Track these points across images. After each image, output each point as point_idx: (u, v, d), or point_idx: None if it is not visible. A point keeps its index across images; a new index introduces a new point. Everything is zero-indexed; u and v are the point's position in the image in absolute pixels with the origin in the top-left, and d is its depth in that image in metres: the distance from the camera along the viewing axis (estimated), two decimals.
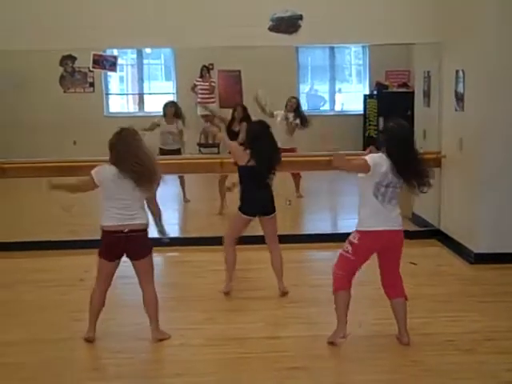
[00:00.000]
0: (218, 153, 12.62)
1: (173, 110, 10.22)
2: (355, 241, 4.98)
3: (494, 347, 5.05)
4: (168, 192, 10.54)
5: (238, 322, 5.65)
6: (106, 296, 5.24)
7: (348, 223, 5.41)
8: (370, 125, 13.75)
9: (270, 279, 6.53)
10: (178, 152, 10.15)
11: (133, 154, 4.91)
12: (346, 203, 9.64)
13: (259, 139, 6.06)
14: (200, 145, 13.90)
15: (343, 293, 5.01)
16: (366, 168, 4.92)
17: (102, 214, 5.04)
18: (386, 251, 5.06)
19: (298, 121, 10.40)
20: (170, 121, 10.21)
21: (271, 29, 7.68)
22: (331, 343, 5.04)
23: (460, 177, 7.51)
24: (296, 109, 10.51)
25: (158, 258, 7.61)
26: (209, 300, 6.13)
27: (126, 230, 4.95)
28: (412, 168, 4.93)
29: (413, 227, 8.58)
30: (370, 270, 7.01)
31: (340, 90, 15.23)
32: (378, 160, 4.93)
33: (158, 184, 5.11)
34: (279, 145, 6.34)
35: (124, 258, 5.18)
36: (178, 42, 8.07)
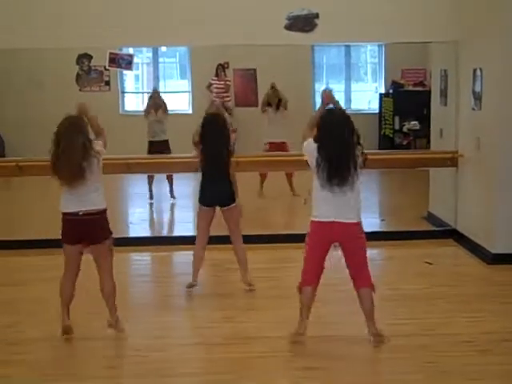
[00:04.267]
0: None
1: (159, 99, 10.16)
2: (309, 230, 4.99)
3: None
4: (182, 190, 10.57)
5: (255, 320, 5.64)
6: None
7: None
8: (385, 124, 13.66)
9: (290, 278, 6.51)
10: (166, 143, 9.96)
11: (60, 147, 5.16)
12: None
13: (202, 135, 6.22)
14: None
15: (305, 289, 4.97)
16: (311, 129, 5.08)
17: (61, 200, 5.20)
18: (340, 243, 4.97)
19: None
20: (157, 110, 10.03)
21: (287, 27, 7.66)
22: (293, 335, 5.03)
23: (477, 176, 7.46)
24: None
25: (175, 257, 7.67)
26: (227, 298, 6.14)
27: (80, 213, 5.12)
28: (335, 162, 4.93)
29: (429, 227, 8.55)
30: (384, 270, 7.01)
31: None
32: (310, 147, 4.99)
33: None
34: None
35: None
36: (193, 40, 8.06)
